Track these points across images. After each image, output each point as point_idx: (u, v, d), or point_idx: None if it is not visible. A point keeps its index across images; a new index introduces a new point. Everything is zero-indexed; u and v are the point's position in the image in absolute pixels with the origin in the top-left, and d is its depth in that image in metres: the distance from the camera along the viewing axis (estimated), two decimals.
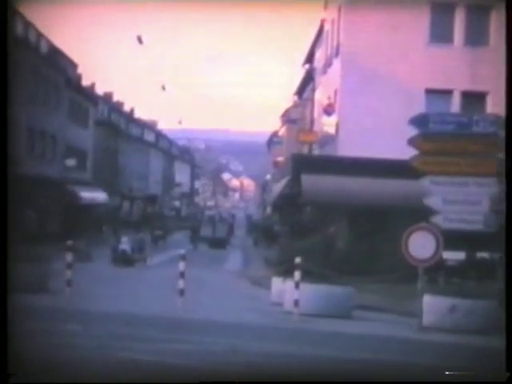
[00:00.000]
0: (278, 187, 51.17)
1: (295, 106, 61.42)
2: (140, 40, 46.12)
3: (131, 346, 11.53)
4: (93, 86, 74.47)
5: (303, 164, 33.09)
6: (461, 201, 18.55)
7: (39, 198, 49.87)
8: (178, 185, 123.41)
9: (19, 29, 47.41)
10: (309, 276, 18.61)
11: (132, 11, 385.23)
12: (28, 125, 48.67)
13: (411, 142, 19.04)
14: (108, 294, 21.77)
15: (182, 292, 18.43)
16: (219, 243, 60.75)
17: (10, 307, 9.66)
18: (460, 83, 31.73)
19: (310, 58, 48.76)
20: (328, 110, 34.24)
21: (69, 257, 19.67)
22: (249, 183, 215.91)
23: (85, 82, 69.60)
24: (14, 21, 46.64)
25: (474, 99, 31.47)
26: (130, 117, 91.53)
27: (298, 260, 18.02)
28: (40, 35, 52.39)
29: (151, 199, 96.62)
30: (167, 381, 9.29)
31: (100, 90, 77.92)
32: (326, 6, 39.55)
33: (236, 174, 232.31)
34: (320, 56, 42.98)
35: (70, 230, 47.19)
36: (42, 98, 51.88)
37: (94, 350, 11.01)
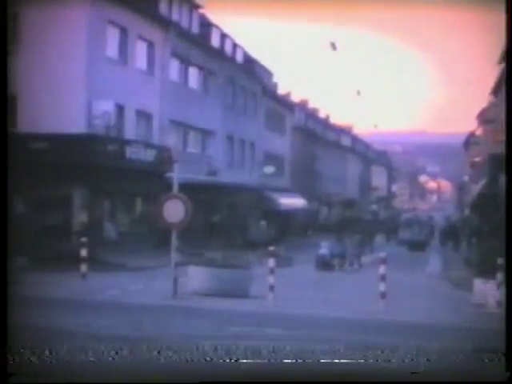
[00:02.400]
0: (476, 188, 49.89)
1: (491, 105, 59.81)
2: (334, 46, 46.37)
3: (334, 349, 11.58)
4: (288, 93, 75.57)
5: (501, 164, 32.18)
6: None
7: (239, 204, 51.22)
8: (376, 188, 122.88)
9: (215, 40, 48.88)
10: None
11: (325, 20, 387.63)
12: (227, 133, 50.15)
13: None
14: (309, 298, 22.07)
15: (383, 295, 18.46)
16: (419, 245, 60.00)
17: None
18: None
19: (506, 56, 47.23)
20: None
21: (271, 262, 20.19)
22: (446, 185, 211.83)
23: (280, 91, 70.82)
24: (210, 32, 48.17)
25: None
26: (325, 122, 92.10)
27: (500, 261, 17.63)
28: (236, 45, 53.81)
29: (349, 204, 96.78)
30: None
31: (296, 98, 78.97)
32: None
33: (433, 176, 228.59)
34: None
35: (273, 237, 48.14)
36: (240, 107, 53.27)
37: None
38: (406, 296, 23.58)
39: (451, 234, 61.26)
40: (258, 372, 9.92)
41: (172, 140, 39.52)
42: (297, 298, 21.67)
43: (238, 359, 10.29)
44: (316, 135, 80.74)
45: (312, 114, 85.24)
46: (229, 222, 48.80)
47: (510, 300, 11.01)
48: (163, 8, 41.08)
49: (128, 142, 34.82)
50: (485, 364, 11.06)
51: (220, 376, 9.78)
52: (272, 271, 20.04)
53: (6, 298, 9.48)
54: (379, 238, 67.19)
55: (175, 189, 20.87)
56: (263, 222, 52.01)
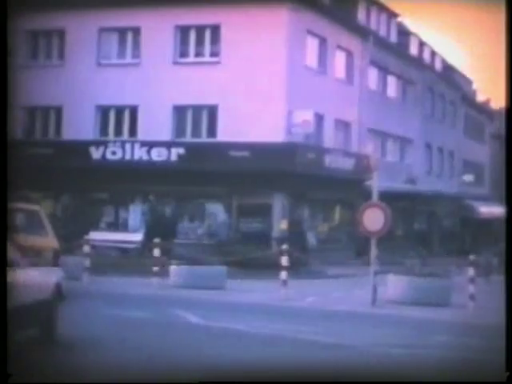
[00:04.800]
0: None
1: None
2: None
3: None
4: (488, 100, 73.73)
5: None
6: None
7: (438, 213, 50.51)
8: None
9: (413, 48, 48.55)
10: None
11: None
12: (426, 142, 49.62)
13: None
14: None
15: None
16: None
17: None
18: None
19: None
20: None
21: (471, 271, 19.87)
22: None
23: (480, 98, 69.22)
24: (408, 40, 47.79)
25: None
26: None
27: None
28: (434, 53, 53.19)
29: None
30: None
31: (495, 105, 76.91)
32: None
33: None
34: None
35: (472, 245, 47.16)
36: (438, 115, 52.56)
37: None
38: None
39: None
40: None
41: (370, 148, 39.51)
42: (498, 308, 21.16)
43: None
44: None
45: None
46: (428, 230, 48.21)
47: (509, 300, 10.47)
48: (361, 17, 41.25)
49: (327, 151, 35.19)
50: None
51: (220, 376, 9.76)
52: (472, 280, 19.72)
53: (5, 298, 9.31)
54: None
55: (374, 197, 20.90)
56: (462, 230, 51.02)
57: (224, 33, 33.42)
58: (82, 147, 33.77)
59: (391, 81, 45.06)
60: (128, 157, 33.23)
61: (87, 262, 23.15)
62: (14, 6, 36.05)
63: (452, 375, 10.29)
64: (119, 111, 35.29)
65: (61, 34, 36.05)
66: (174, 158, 32.65)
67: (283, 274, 22.14)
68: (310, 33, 35.05)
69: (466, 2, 67.37)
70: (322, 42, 36.10)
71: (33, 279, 11.30)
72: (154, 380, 9.44)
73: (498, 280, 34.83)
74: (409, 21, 49.15)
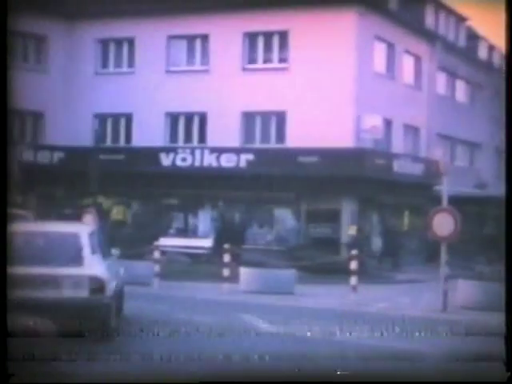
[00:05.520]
0: None
1: None
2: None
3: None
4: None
5: None
6: None
7: None
8: None
9: (482, 52, 48.05)
10: None
11: None
12: (496, 146, 49.03)
13: None
14: None
15: None
16: None
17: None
18: None
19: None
20: None
21: None
22: None
23: None
24: (477, 44, 47.26)
25: None
26: None
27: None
28: (503, 57, 52.46)
29: None
30: None
31: None
32: None
33: None
34: None
35: None
36: None
37: None
38: None
39: None
40: None
41: (440, 153, 39.20)
42: None
43: None
44: None
45: None
46: (498, 235, 47.57)
47: (509, 300, 10.24)
48: (429, 21, 40.99)
49: (396, 156, 35.06)
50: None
51: (220, 376, 9.75)
52: None
53: (5, 298, 9.34)
54: None
55: (444, 202, 20.81)
56: None
57: (292, 38, 33.59)
58: (152, 153, 34.23)
59: (460, 85, 44.69)
60: (198, 163, 33.56)
61: (157, 268, 23.47)
62: (85, 15, 37.09)
63: (452, 375, 10.26)
64: (188, 118, 35.68)
65: (131, 42, 36.63)
66: (243, 163, 32.88)
67: (353, 280, 22.16)
68: (378, 38, 34.98)
69: None
70: (390, 46, 36.00)
71: None
72: None
73: None
74: (478, 24, 48.59)
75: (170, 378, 9.71)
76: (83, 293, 12.43)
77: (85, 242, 13.25)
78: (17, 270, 11.26)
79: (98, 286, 12.59)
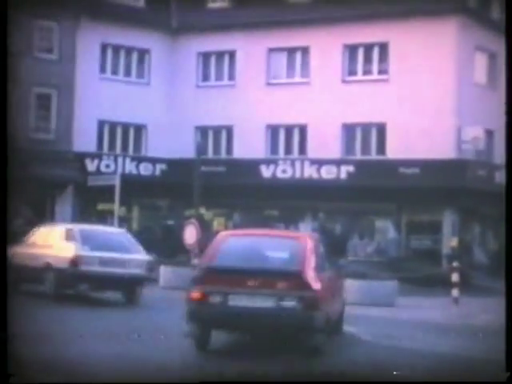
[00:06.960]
0: None
1: None
2: None
3: None
4: None
5: None
6: None
7: None
8: None
9: None
10: None
11: None
12: None
13: None
14: None
15: None
16: None
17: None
18: None
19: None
20: None
21: None
22: None
23: None
24: None
25: None
26: None
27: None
28: None
29: None
30: None
31: None
32: None
33: None
34: None
35: None
36: None
37: None
38: None
39: None
40: None
41: None
42: None
43: None
44: None
45: None
46: None
47: (509, 300, 9.94)
48: None
49: (498, 167, 34.59)
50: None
51: (220, 376, 9.75)
52: None
53: (5, 299, 9.37)
54: None
55: None
56: None
57: (392, 50, 33.58)
58: (253, 165, 34.66)
59: None
60: (298, 175, 33.86)
61: None
62: (187, 29, 37.74)
63: (452, 375, 10.18)
64: (289, 130, 35.98)
65: (232, 54, 37.18)
66: (343, 175, 33.02)
67: (455, 292, 22.05)
68: (479, 48, 34.60)
69: None
70: (491, 57, 35.51)
71: None
72: None
73: None
74: None
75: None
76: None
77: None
78: None
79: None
